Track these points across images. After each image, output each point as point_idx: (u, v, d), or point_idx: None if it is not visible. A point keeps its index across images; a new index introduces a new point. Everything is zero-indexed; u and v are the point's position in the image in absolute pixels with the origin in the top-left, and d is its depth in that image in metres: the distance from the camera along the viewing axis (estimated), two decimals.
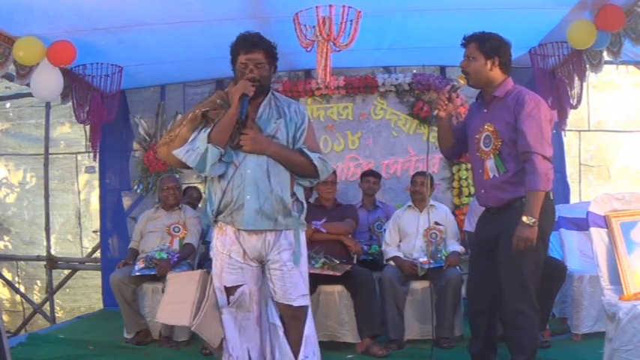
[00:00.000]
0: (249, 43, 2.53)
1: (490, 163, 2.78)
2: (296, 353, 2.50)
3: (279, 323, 2.52)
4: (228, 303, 2.54)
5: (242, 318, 2.55)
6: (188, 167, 2.58)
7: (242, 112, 2.46)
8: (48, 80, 4.30)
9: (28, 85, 4.38)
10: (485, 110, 2.85)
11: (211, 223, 2.62)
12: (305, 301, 2.55)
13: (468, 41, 2.81)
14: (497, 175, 2.76)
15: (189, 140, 2.50)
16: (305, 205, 2.62)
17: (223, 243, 2.55)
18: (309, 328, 2.58)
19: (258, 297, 2.57)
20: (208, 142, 2.45)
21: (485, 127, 2.80)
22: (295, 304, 2.50)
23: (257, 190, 2.46)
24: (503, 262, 2.73)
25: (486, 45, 2.75)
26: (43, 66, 4.21)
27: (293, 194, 2.56)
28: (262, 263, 2.56)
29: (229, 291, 2.54)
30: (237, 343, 2.55)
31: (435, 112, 2.87)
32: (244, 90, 2.46)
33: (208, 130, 2.49)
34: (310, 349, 2.55)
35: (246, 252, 2.52)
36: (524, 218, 2.58)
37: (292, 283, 2.50)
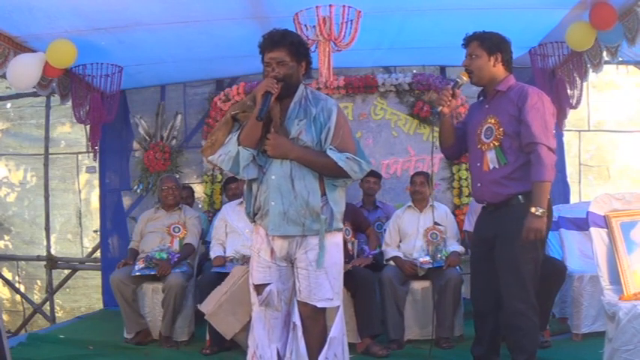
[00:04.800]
0: (270, 42, 2.49)
1: (491, 155, 2.77)
2: (313, 355, 2.47)
3: (299, 323, 2.49)
4: (258, 302, 2.54)
5: (271, 317, 2.54)
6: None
7: (262, 110, 2.39)
8: (24, 69, 4.24)
9: (3, 75, 4.29)
10: (486, 106, 2.86)
11: (251, 223, 2.64)
12: (328, 303, 2.49)
13: (469, 40, 2.83)
14: (497, 166, 2.75)
15: (224, 144, 2.51)
16: (334, 208, 2.48)
17: (255, 242, 2.57)
18: (336, 329, 2.54)
19: (287, 296, 2.55)
20: (239, 145, 2.44)
21: (488, 119, 2.80)
22: (318, 305, 2.47)
23: (281, 196, 2.43)
24: (502, 263, 2.73)
25: (488, 42, 2.78)
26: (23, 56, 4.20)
27: (324, 196, 2.47)
28: (292, 262, 2.53)
29: (258, 289, 2.54)
30: (266, 343, 2.53)
31: (439, 108, 2.86)
32: (267, 87, 2.41)
33: (237, 132, 2.48)
34: (332, 352, 2.51)
35: (274, 251, 2.51)
36: (532, 209, 2.58)
37: (317, 284, 2.46)
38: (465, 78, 2.85)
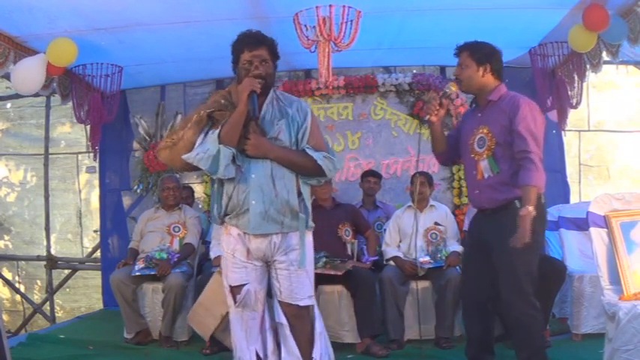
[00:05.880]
0: (253, 40, 2.51)
1: (484, 164, 2.81)
2: (305, 352, 2.50)
3: (285, 322, 2.51)
4: (235, 303, 2.54)
5: (248, 317, 2.54)
6: (191, 170, 2.59)
7: (254, 110, 2.42)
8: (28, 73, 4.24)
9: (6, 76, 4.28)
10: (479, 114, 2.90)
11: (218, 224, 2.63)
12: (311, 301, 2.55)
13: (460, 50, 2.89)
14: (491, 175, 2.79)
15: (198, 143, 2.47)
16: (308, 206, 2.56)
17: (228, 243, 2.55)
18: (319, 324, 2.60)
19: (263, 296, 2.56)
20: (219, 144, 2.43)
21: (480, 129, 2.84)
22: (302, 303, 2.51)
23: (262, 195, 2.44)
24: (499, 266, 2.74)
25: (478, 53, 2.83)
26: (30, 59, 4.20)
27: (300, 194, 2.52)
28: (267, 263, 2.55)
29: (234, 290, 2.54)
30: (244, 345, 2.54)
31: (427, 117, 2.92)
32: (252, 87, 2.42)
33: (217, 131, 2.46)
34: (324, 346, 2.58)
35: (250, 251, 2.50)
36: (530, 208, 2.56)
37: (299, 283, 2.50)
38: (454, 88, 2.93)
